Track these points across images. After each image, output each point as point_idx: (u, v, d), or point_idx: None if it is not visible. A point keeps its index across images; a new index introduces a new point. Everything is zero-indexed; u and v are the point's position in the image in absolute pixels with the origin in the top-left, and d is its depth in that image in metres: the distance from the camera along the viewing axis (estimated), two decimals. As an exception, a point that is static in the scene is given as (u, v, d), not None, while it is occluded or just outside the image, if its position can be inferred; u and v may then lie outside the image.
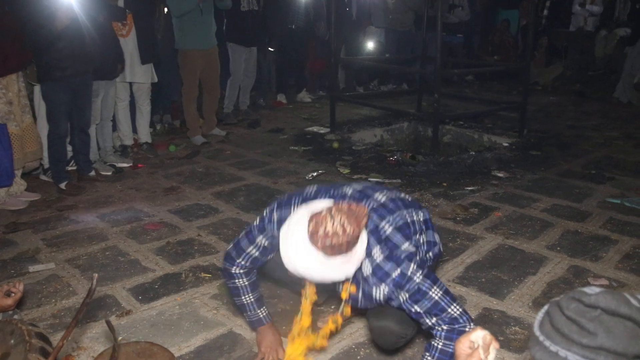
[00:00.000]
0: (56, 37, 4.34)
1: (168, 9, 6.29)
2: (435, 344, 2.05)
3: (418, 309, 2.03)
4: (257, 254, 2.32)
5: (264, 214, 2.29)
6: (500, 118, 7.37)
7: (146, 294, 3.12)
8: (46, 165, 4.90)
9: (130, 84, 5.60)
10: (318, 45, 8.82)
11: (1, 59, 4.07)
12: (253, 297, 2.44)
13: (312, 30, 8.43)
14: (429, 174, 5.23)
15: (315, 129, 6.89)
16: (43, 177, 4.92)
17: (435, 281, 2.06)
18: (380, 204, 2.24)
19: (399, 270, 2.02)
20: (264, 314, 2.48)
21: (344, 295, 2.14)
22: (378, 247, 2.06)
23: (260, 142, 6.32)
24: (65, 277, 3.29)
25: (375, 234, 2.10)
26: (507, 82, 10.18)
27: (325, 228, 1.79)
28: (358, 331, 2.79)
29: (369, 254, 2.03)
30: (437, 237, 2.42)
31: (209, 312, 2.95)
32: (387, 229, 2.14)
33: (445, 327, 2.03)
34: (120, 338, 2.67)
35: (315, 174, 5.17)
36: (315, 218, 1.83)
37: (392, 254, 2.05)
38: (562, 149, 6.10)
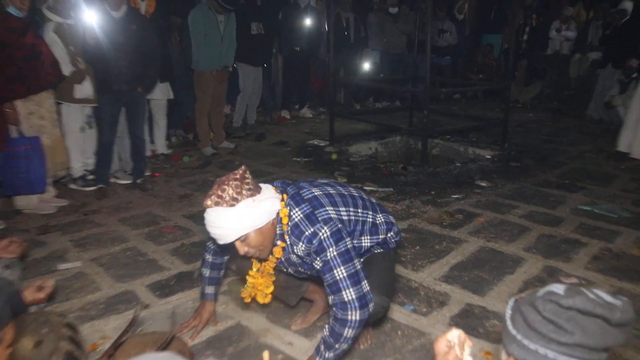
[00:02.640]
0: (101, 57, 4.51)
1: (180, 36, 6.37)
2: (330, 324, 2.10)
3: (327, 281, 2.05)
4: (213, 246, 2.56)
5: None
6: (484, 133, 7.41)
7: (163, 289, 3.17)
8: (74, 175, 4.96)
9: (149, 100, 5.67)
10: (319, 66, 8.89)
11: (34, 77, 4.15)
12: (208, 274, 2.63)
13: (314, 52, 8.50)
14: (419, 183, 5.28)
15: (316, 142, 6.94)
16: (72, 186, 4.97)
17: (347, 261, 2.03)
18: (316, 183, 2.34)
19: (311, 230, 2.04)
20: (210, 291, 2.67)
21: (277, 254, 2.20)
22: (298, 208, 2.10)
23: (266, 154, 6.37)
24: (91, 275, 3.35)
25: (297, 197, 2.15)
26: (490, 100, 10.25)
27: (215, 189, 1.96)
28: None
29: (290, 216, 2.10)
30: (392, 219, 2.46)
31: (219, 306, 2.99)
32: (314, 192, 2.20)
33: (338, 313, 2.05)
34: (140, 329, 2.73)
35: (315, 182, 5.21)
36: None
37: (311, 214, 2.08)
38: (539, 161, 6.15)
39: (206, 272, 2.64)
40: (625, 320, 1.04)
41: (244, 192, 1.97)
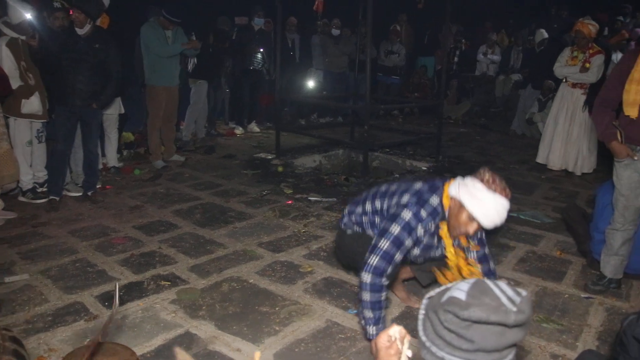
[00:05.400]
0: (59, 73, 4.39)
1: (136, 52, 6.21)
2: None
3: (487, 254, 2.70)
4: (400, 257, 2.39)
5: (405, 218, 2.38)
6: (420, 146, 7.52)
7: (112, 300, 3.02)
8: (24, 187, 4.71)
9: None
10: (267, 83, 8.83)
11: (-20, 92, 3.93)
12: (385, 311, 2.45)
13: (263, 70, 8.46)
14: (360, 193, 5.26)
15: (263, 155, 6.86)
16: (21, 199, 4.70)
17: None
18: None
19: None
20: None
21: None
22: None
23: (214, 167, 6.25)
24: (39, 287, 3.16)
25: None
26: (425, 116, 10.46)
27: (500, 184, 2.26)
28: (299, 329, 2.79)
29: None
30: None
31: (168, 315, 2.89)
32: None
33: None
34: (87, 341, 2.58)
35: (263, 193, 5.16)
36: (487, 182, 2.28)
37: None
38: (470, 172, 6.20)
39: (384, 311, 2.40)
40: (520, 320, 1.05)
41: None
